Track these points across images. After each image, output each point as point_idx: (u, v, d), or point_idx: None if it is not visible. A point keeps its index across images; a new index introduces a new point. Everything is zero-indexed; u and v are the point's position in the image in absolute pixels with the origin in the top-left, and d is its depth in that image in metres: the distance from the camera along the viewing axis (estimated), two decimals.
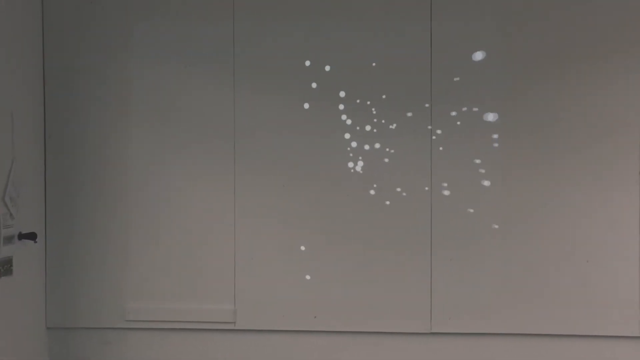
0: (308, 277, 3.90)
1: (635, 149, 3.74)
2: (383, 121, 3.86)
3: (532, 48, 3.79)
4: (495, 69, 3.80)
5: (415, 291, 3.84)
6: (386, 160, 3.86)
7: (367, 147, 3.87)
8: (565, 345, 3.78)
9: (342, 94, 3.88)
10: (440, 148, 3.82)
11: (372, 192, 3.87)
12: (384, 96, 3.85)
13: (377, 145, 3.86)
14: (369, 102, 3.86)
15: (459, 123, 3.81)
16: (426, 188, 3.83)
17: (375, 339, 3.87)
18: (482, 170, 3.81)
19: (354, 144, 3.87)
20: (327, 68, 3.87)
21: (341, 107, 3.88)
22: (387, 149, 3.86)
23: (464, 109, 3.81)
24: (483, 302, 3.81)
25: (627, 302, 3.74)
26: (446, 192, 3.82)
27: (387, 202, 3.86)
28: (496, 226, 3.80)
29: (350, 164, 3.88)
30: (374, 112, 3.86)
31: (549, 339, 3.79)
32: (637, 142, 3.74)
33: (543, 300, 3.78)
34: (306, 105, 3.89)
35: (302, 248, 3.90)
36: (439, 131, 3.83)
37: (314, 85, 3.89)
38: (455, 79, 3.82)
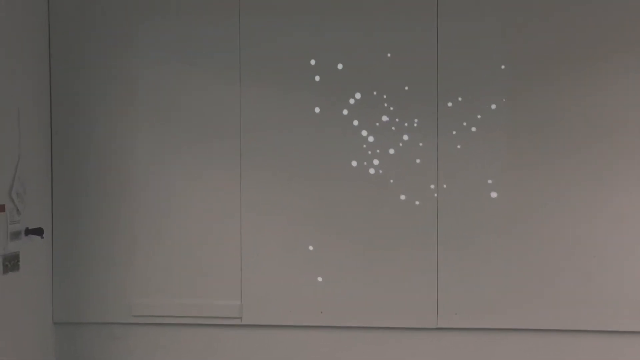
0: (315, 273, 3.90)
1: (636, 149, 3.78)
2: (397, 119, 3.86)
3: (533, 48, 3.81)
4: (496, 68, 3.82)
5: (421, 287, 3.86)
6: (395, 159, 3.87)
7: (376, 145, 3.88)
8: (572, 341, 3.80)
9: (351, 91, 3.88)
10: (446, 148, 3.84)
11: (380, 190, 3.88)
12: (392, 95, 3.87)
13: (386, 144, 3.88)
14: (378, 99, 3.87)
15: (464, 124, 3.84)
16: (432, 186, 3.85)
17: (382, 335, 3.88)
18: (487, 170, 3.83)
19: (362, 142, 3.88)
20: (340, 66, 3.88)
21: (351, 101, 3.89)
22: (396, 148, 3.87)
23: (466, 109, 3.83)
24: (489, 297, 3.83)
25: (634, 297, 3.75)
26: (452, 191, 3.84)
27: (395, 200, 3.87)
28: (503, 223, 3.82)
29: (355, 162, 3.89)
30: (382, 111, 3.87)
31: (556, 334, 3.81)
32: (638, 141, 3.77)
33: (550, 296, 3.80)
34: (314, 102, 3.90)
35: (309, 244, 3.91)
36: (444, 131, 3.84)
37: (322, 82, 3.89)
38: (458, 79, 3.84)
